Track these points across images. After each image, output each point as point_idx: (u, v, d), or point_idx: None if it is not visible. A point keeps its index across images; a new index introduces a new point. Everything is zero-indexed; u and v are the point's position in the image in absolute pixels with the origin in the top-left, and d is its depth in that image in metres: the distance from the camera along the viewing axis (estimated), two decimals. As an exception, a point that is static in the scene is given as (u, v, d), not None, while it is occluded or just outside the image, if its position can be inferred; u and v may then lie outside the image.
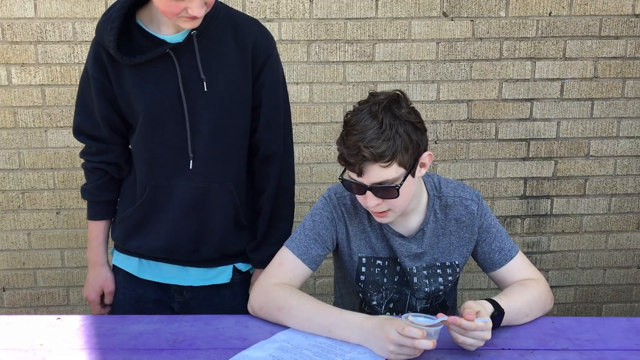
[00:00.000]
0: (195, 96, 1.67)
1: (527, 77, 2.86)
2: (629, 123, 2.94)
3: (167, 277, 1.83)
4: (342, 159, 1.57)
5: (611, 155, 2.97)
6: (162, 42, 1.65)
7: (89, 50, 1.74)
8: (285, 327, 1.58)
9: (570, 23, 2.81)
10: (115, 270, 1.88)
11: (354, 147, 1.51)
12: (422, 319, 1.44)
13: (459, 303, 1.89)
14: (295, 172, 1.89)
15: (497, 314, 1.52)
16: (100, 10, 2.65)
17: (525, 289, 1.65)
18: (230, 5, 1.85)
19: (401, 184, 1.55)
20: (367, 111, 1.54)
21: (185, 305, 1.85)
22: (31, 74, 2.70)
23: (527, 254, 3.04)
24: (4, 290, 2.92)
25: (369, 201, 1.57)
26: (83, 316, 1.66)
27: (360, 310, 1.79)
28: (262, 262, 1.75)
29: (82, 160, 1.86)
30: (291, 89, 2.60)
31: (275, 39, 1.82)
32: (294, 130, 1.87)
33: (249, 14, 1.89)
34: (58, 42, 2.68)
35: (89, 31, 2.67)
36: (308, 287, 2.98)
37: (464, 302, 1.50)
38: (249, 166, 1.81)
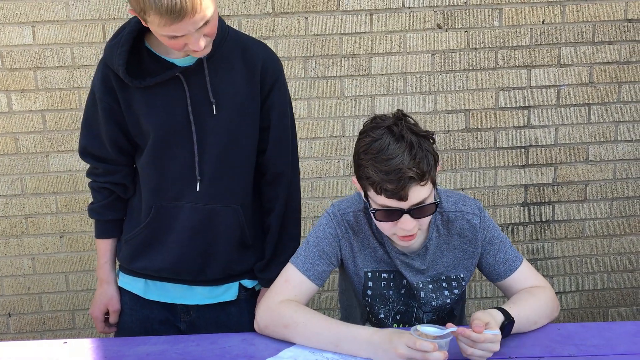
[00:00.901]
0: (204, 119, 1.68)
1: (523, 85, 2.87)
2: (627, 127, 2.96)
3: (173, 297, 1.83)
4: (379, 188, 1.49)
5: (610, 160, 2.98)
6: (172, 65, 1.66)
7: (95, 71, 1.75)
8: (292, 344, 1.58)
9: (563, 30, 2.83)
10: (122, 292, 1.88)
11: (395, 171, 1.46)
12: (432, 329, 1.44)
13: (467, 312, 1.89)
14: (299, 188, 1.90)
15: (507, 323, 1.51)
16: (98, 35, 2.68)
17: (532, 296, 1.65)
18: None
19: (440, 199, 1.56)
20: (388, 134, 1.51)
21: (191, 324, 1.84)
22: (31, 100, 2.72)
23: (530, 260, 3.04)
24: (9, 316, 2.92)
25: (408, 224, 1.53)
26: (89, 340, 1.66)
27: (367, 322, 1.79)
28: (270, 280, 1.74)
29: (89, 180, 1.86)
30: (289, 106, 2.61)
31: (272, 56, 1.83)
32: (294, 146, 1.89)
33: (245, 33, 1.91)
34: (57, 67, 2.70)
35: (88, 56, 2.69)
36: (313, 302, 2.98)
37: (471, 310, 1.50)
38: (255, 186, 1.82)
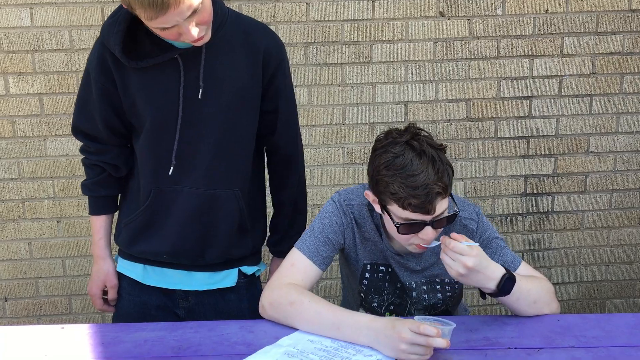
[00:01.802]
0: (200, 102, 1.66)
1: (525, 75, 2.86)
2: (628, 118, 2.94)
3: (172, 283, 1.82)
4: (405, 204, 1.51)
5: (611, 151, 2.97)
6: (170, 47, 1.63)
7: (91, 51, 1.73)
8: (291, 332, 1.57)
9: (567, 20, 2.81)
10: (120, 277, 1.87)
11: (422, 187, 1.49)
12: (432, 321, 1.45)
13: (462, 311, 1.90)
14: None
15: (508, 277, 1.52)
16: (97, 18, 2.65)
17: (534, 278, 1.67)
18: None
19: (459, 208, 1.60)
20: (409, 150, 1.53)
21: (190, 311, 1.84)
22: (29, 83, 2.70)
23: (529, 251, 3.04)
24: (6, 300, 2.91)
25: (429, 235, 1.55)
26: (87, 325, 1.65)
27: (360, 307, 1.81)
28: (284, 252, 1.76)
29: (82, 156, 1.85)
30: (290, 92, 2.59)
31: (273, 42, 1.81)
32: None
33: (249, 16, 1.88)
34: (55, 50, 2.67)
35: (86, 39, 2.66)
36: (312, 289, 2.97)
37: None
38: (254, 170, 1.81)
